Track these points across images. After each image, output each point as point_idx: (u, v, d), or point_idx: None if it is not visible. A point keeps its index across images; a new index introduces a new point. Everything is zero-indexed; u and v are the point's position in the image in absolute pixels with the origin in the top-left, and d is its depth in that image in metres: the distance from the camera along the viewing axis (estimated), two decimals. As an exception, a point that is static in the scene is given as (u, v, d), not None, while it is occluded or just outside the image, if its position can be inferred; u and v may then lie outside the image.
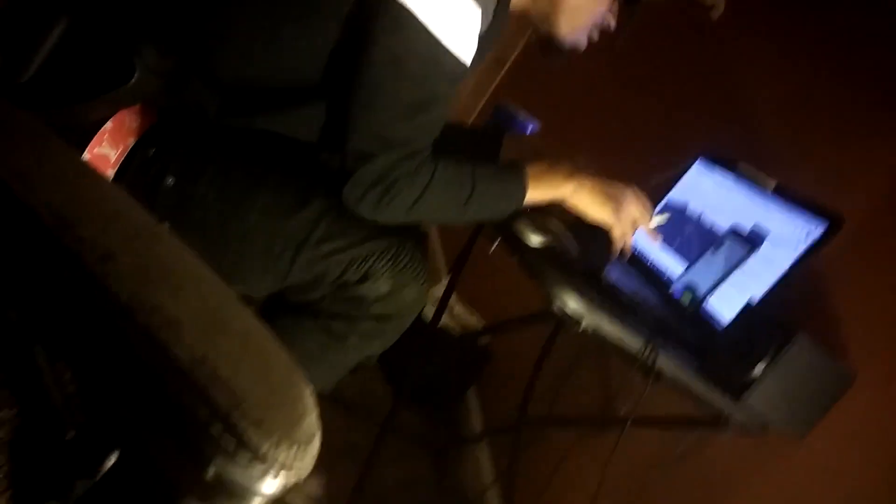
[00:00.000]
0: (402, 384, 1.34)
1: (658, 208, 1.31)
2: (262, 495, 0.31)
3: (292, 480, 0.32)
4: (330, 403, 1.64)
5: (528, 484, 1.47)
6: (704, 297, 1.09)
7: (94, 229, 0.34)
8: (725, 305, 1.06)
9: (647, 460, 1.22)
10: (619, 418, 1.26)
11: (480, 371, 1.95)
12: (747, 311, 0.99)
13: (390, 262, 0.92)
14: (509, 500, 1.34)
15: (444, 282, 1.59)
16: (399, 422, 1.68)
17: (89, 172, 0.40)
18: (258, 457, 0.31)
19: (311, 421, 0.34)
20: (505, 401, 1.81)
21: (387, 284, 0.93)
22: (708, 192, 1.29)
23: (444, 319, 1.86)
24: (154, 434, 0.31)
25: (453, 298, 1.91)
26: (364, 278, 0.92)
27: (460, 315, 1.96)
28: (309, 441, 0.33)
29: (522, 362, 1.60)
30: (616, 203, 1.01)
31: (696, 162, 1.35)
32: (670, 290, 1.15)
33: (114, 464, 0.35)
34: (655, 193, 1.27)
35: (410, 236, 0.96)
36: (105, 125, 0.90)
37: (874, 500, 0.92)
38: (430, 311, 1.63)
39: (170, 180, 0.90)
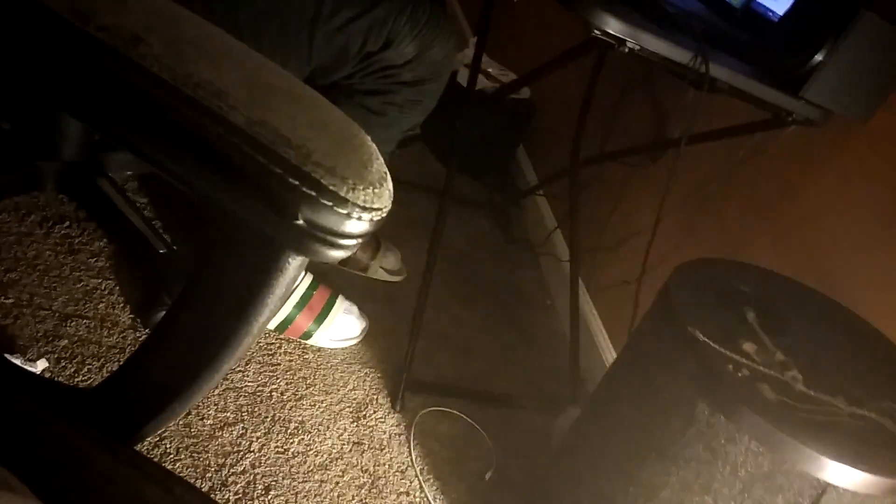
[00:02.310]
0: (453, 155, 1.35)
1: None
2: (353, 236, 0.33)
3: (376, 218, 0.34)
4: (387, 186, 1.69)
5: (590, 222, 1.53)
6: (754, -9, 1.00)
7: (114, 17, 0.32)
8: (778, -5, 0.98)
9: (706, 176, 1.23)
10: (675, 139, 1.25)
11: (527, 125, 1.93)
12: (804, -5, 0.92)
13: (409, 22, 0.88)
14: (574, 241, 1.40)
15: (472, 43, 1.51)
16: (457, 191, 1.73)
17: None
18: (339, 200, 0.32)
19: (380, 164, 0.35)
20: (555, 150, 1.81)
21: (411, 46, 0.89)
22: None
23: (481, 82, 1.81)
24: (241, 202, 0.33)
25: (486, 59, 1.84)
26: (387, 45, 0.88)
27: (496, 75, 1.90)
28: (382, 181, 0.34)
29: (568, 107, 1.57)
30: None
31: None
32: (717, -8, 1.06)
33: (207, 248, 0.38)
34: None
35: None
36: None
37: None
38: (465, 77, 1.58)
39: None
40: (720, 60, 0.90)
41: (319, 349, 1.23)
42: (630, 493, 0.79)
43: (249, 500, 0.96)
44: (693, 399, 0.73)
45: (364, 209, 0.33)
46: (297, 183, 0.31)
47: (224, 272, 0.37)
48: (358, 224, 0.33)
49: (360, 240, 0.34)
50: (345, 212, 0.32)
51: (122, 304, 1.12)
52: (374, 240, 1.45)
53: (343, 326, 1.25)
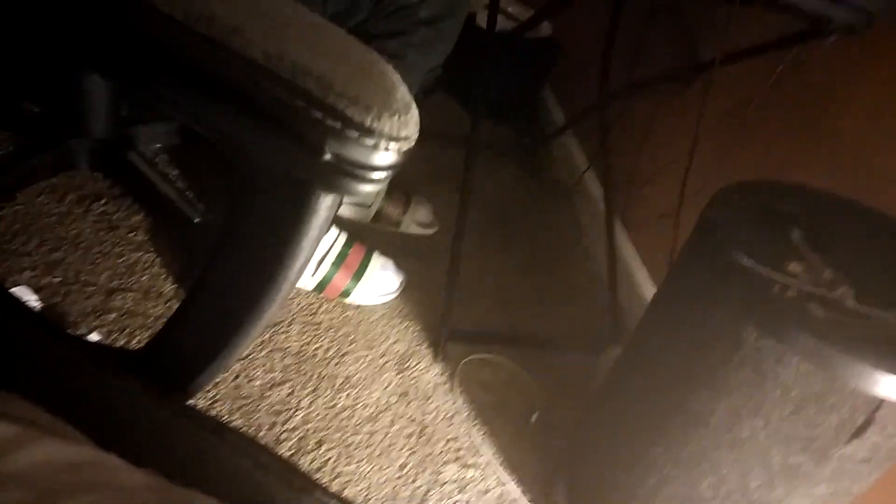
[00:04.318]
0: (477, 101, 1.33)
1: None
2: (382, 168, 0.32)
3: (404, 148, 0.33)
4: (413, 139, 1.68)
5: (622, 157, 1.49)
6: None
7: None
8: None
9: (742, 98, 1.18)
10: (707, 61, 1.20)
11: (551, 65, 1.88)
12: None
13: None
14: (607, 178, 1.37)
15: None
16: (484, 137, 1.70)
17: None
18: (365, 130, 0.31)
19: (403, 91, 0.34)
20: (582, 86, 1.77)
21: (426, -22, 0.87)
22: None
23: (502, 24, 1.76)
24: (266, 141, 0.32)
25: None
26: (400, -18, 0.86)
27: (515, 13, 1.84)
28: (407, 109, 0.33)
29: (592, 41, 1.52)
30: None
31: None
32: None
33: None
34: None
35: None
36: None
37: None
38: (484, 20, 1.53)
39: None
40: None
41: (359, 306, 1.24)
42: (677, 423, 0.79)
43: (303, 454, 0.99)
44: (739, 324, 0.71)
45: (391, 138, 0.32)
46: (320, 115, 0.30)
47: (256, 218, 0.36)
48: (386, 155, 0.32)
49: (389, 172, 0.33)
50: (372, 142, 0.31)
51: (163, 275, 1.14)
52: (405, 194, 1.44)
53: (380, 282, 1.26)
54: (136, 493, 0.28)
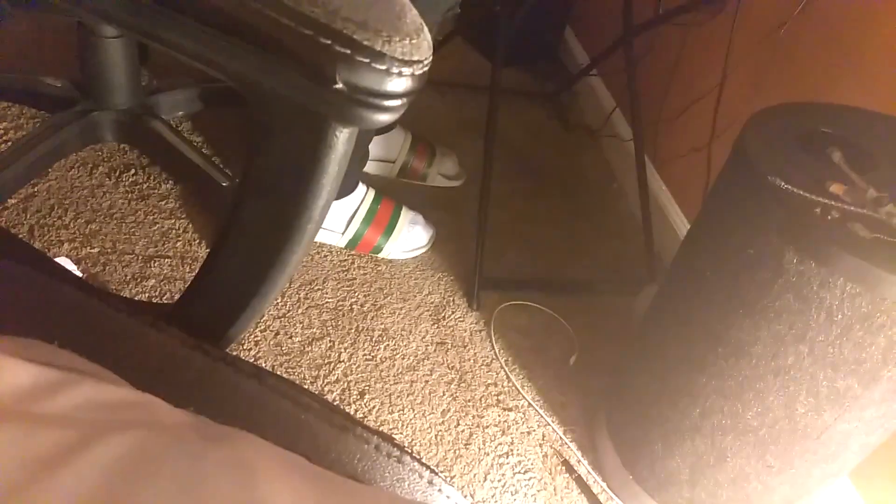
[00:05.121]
0: (497, 47, 1.29)
1: None
2: (396, 95, 0.31)
3: (417, 72, 0.32)
4: (434, 87, 1.65)
5: (650, 94, 1.45)
6: None
7: None
8: None
9: (772, 22, 1.13)
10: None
11: (572, 3, 1.82)
12: None
13: None
14: (635, 116, 1.34)
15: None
16: (506, 83, 1.66)
17: None
18: (375, 55, 0.30)
19: (413, 14, 0.33)
20: (604, 24, 1.71)
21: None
22: None
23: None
24: (275, 75, 0.32)
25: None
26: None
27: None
28: (418, 32, 0.32)
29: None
30: None
31: None
32: None
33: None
34: None
35: None
36: None
37: None
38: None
39: None
40: None
41: (391, 261, 1.25)
42: (720, 354, 0.78)
43: (347, 405, 1.01)
44: (780, 249, 0.69)
45: (403, 62, 0.31)
46: (328, 42, 0.29)
47: (274, 158, 0.36)
48: (399, 80, 0.31)
49: (404, 99, 0.32)
50: (383, 67, 0.30)
51: (197, 241, 1.16)
52: (430, 147, 1.43)
53: (411, 236, 1.26)
54: (177, 430, 0.28)
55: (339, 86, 0.30)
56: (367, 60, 0.30)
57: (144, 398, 0.30)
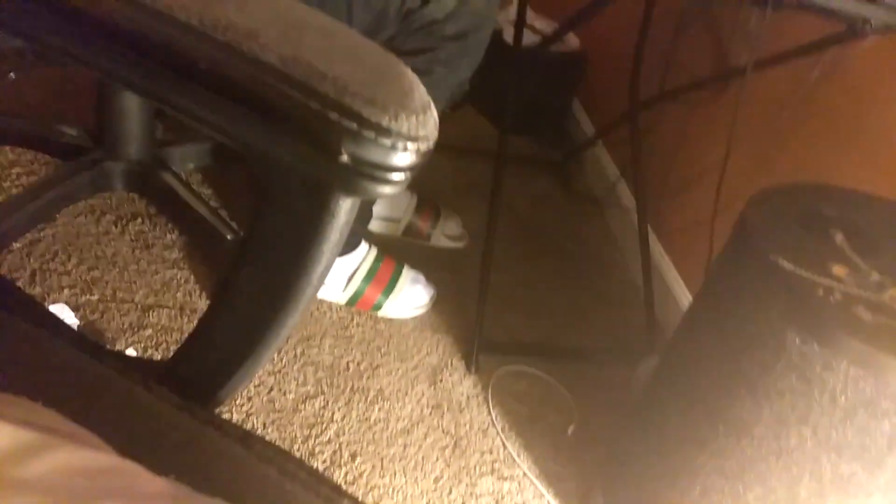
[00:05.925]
0: (505, 115, 1.32)
1: None
2: (400, 169, 0.32)
3: (422, 148, 0.32)
4: (442, 151, 1.68)
5: (654, 167, 1.47)
6: None
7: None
8: None
9: (777, 104, 1.15)
10: (739, 68, 1.18)
11: (579, 78, 1.87)
12: None
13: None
14: (639, 187, 1.35)
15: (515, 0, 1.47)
16: (513, 150, 1.69)
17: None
18: (382, 131, 0.31)
19: (421, 92, 0.33)
20: (611, 98, 1.75)
21: (451, -2, 0.87)
22: None
23: (527, 37, 1.76)
24: (282, 145, 0.32)
25: (530, 14, 1.78)
26: (426, -1, 0.86)
27: (542, 28, 1.84)
28: (425, 109, 0.33)
29: (620, 53, 1.50)
30: None
31: None
32: None
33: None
34: None
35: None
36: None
37: None
38: (511, 36, 1.53)
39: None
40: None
41: (390, 319, 1.24)
42: (720, 433, 0.76)
43: (337, 467, 0.98)
44: (782, 329, 0.68)
45: (409, 138, 0.31)
46: (336, 116, 0.30)
47: (277, 224, 0.36)
48: (404, 155, 0.32)
49: (408, 173, 0.32)
50: (389, 143, 0.31)
51: (198, 292, 1.15)
52: (434, 207, 1.44)
53: (411, 295, 1.26)
54: (156, 500, 0.28)
55: (345, 158, 0.30)
56: (374, 135, 0.30)
57: (124, 465, 0.29)
